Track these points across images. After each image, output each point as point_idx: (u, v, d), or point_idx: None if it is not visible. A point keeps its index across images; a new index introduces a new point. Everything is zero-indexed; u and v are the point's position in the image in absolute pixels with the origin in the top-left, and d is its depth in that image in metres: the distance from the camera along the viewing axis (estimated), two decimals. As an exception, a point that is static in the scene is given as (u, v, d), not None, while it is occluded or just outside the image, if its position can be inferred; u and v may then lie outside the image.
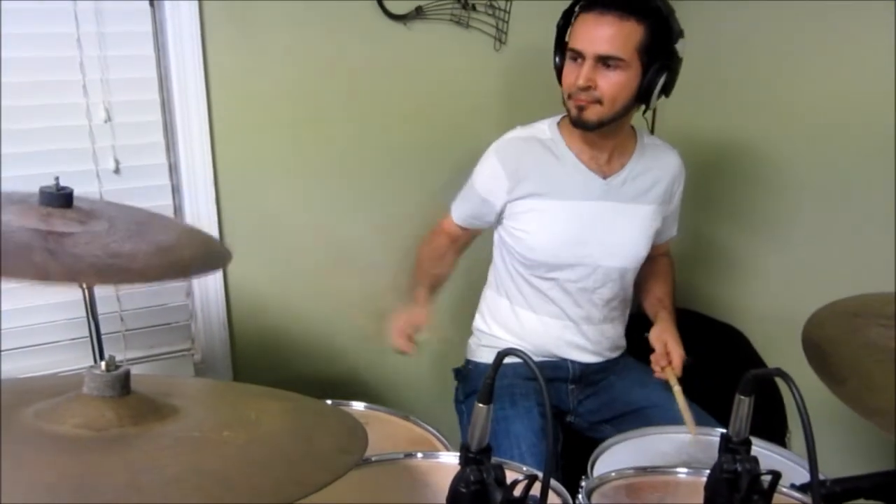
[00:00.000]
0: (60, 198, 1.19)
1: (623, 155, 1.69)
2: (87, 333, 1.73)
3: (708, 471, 1.20)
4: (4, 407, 0.91)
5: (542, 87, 1.89)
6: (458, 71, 2.06)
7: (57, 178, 1.21)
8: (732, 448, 0.90)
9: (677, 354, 1.69)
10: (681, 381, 1.67)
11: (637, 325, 1.90)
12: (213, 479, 0.77)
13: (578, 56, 1.55)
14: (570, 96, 1.58)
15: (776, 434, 2.01)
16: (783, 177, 2.07)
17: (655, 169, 1.72)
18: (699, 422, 1.58)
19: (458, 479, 0.86)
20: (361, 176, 2.02)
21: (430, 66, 2.02)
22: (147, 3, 1.70)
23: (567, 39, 1.60)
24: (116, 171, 1.75)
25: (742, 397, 0.90)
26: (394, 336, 1.58)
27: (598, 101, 1.55)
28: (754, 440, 1.45)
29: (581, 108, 1.57)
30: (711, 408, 1.73)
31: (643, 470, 1.23)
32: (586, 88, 1.54)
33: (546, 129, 1.71)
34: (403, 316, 1.59)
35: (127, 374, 0.91)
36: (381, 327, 1.59)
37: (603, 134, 1.62)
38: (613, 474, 1.20)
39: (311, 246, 2.00)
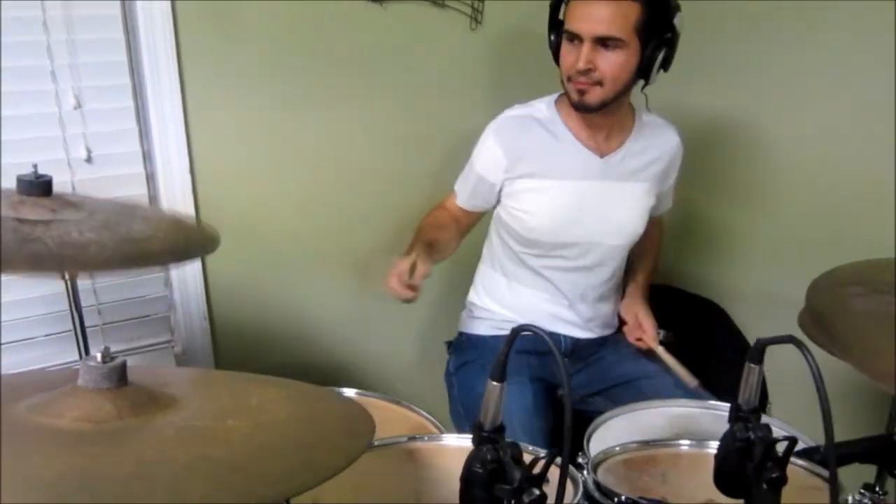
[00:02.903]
0: (38, 186, 1.15)
1: (621, 133, 1.69)
2: (62, 328, 1.72)
3: (710, 442, 1.22)
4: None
5: (519, 67, 1.89)
6: (435, 51, 2.03)
7: (35, 166, 1.16)
8: (743, 416, 0.90)
9: (648, 324, 1.77)
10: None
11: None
12: (225, 467, 0.74)
13: (575, 38, 1.53)
14: (569, 79, 1.57)
15: (759, 403, 2.03)
16: (764, 153, 2.08)
17: (653, 147, 1.71)
18: (681, 395, 1.59)
19: (473, 459, 0.85)
20: (339, 159, 1.99)
21: (406, 47, 1.99)
22: (115, -16, 1.64)
23: (561, 18, 1.57)
24: (88, 159, 1.69)
25: (752, 365, 0.90)
26: (386, 280, 1.55)
27: (599, 83, 1.54)
28: (724, 405, 1.46)
29: (582, 92, 1.55)
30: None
31: (646, 444, 1.23)
32: (586, 71, 1.52)
33: (544, 108, 1.70)
34: (400, 263, 1.55)
35: (123, 365, 0.88)
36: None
37: (602, 113, 1.61)
38: (618, 448, 1.20)
39: (290, 231, 1.97)
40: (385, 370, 2.17)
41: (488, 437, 0.83)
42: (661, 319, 2.14)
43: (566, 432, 0.77)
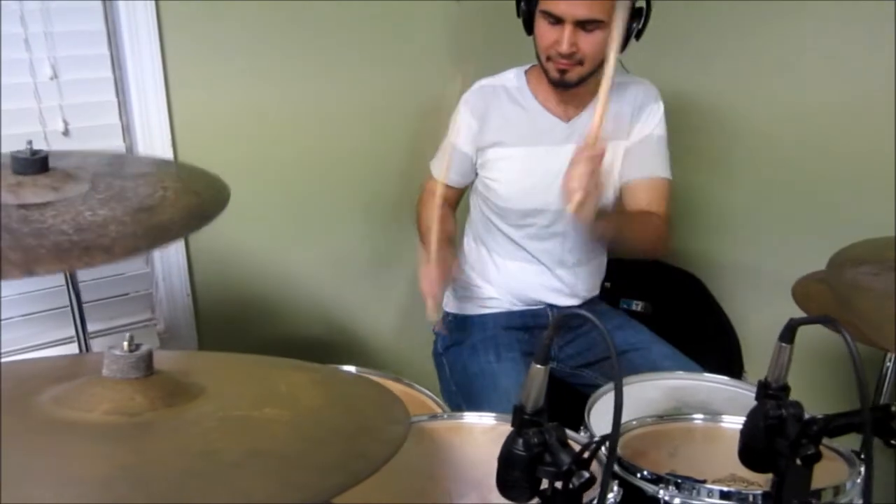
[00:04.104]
0: (35, 163, 1.09)
1: (588, 96, 1.68)
2: (44, 307, 1.66)
3: (724, 417, 1.25)
4: (12, 396, 0.84)
5: (502, 36, 1.86)
6: (418, 20, 2.01)
7: (30, 142, 1.10)
8: (773, 394, 0.92)
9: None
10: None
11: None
12: (277, 461, 0.72)
13: (556, 19, 1.52)
14: (549, 58, 1.57)
15: (734, 372, 2.10)
16: (741, 126, 2.11)
17: (619, 105, 1.68)
18: (682, 367, 1.63)
19: (513, 441, 0.84)
20: (322, 128, 1.95)
21: (390, 18, 1.95)
22: (91, -51, 1.56)
23: None
24: (66, 132, 1.62)
25: (783, 344, 0.91)
26: (427, 291, 1.57)
27: (580, 62, 1.55)
28: (718, 377, 1.52)
29: (563, 72, 1.56)
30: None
31: (660, 418, 1.25)
32: (570, 54, 1.53)
33: (513, 77, 1.71)
34: (432, 270, 1.57)
35: (150, 354, 0.85)
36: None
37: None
38: (634, 423, 1.21)
39: (273, 204, 1.92)
40: (369, 345, 2.16)
41: (531, 421, 0.82)
42: (641, 291, 2.18)
43: (614, 419, 0.77)
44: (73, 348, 1.63)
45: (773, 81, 2.02)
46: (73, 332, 1.63)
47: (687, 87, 2.16)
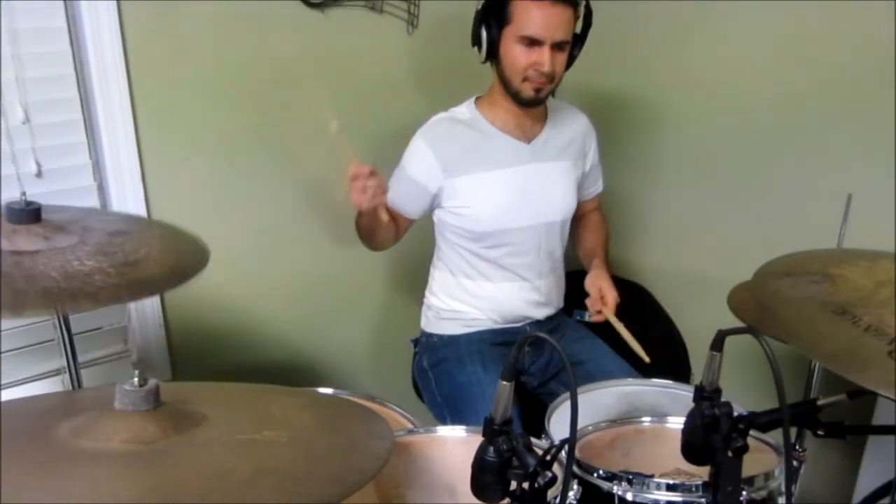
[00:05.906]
0: (29, 214, 1.16)
1: (540, 119, 1.85)
2: (25, 343, 1.71)
3: (669, 418, 1.39)
4: (33, 430, 0.92)
5: (453, 69, 1.99)
6: (373, 55, 2.10)
7: (23, 193, 1.18)
8: (707, 396, 1.05)
9: (611, 296, 1.83)
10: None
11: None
12: (282, 477, 0.82)
13: (534, 42, 1.66)
14: (525, 79, 1.70)
15: (682, 376, 2.25)
16: (679, 135, 2.26)
17: (567, 128, 1.89)
18: (624, 374, 1.78)
19: (484, 449, 0.95)
20: (286, 163, 2.03)
21: (345, 52, 2.04)
22: (60, -2, 1.63)
23: (509, 20, 1.67)
24: (38, 174, 1.68)
25: (714, 353, 1.05)
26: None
27: (551, 80, 1.71)
28: (664, 381, 1.66)
29: (538, 90, 1.71)
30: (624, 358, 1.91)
31: (613, 422, 1.38)
32: (549, 73, 1.68)
33: (465, 110, 1.84)
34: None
35: (157, 387, 0.94)
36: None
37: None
38: (590, 428, 1.34)
39: (243, 237, 2.00)
40: (339, 365, 2.24)
41: (501, 430, 0.94)
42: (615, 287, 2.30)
43: (571, 424, 0.89)
44: (56, 382, 1.70)
45: (698, 90, 2.17)
46: (54, 366, 1.71)
47: (611, 98, 2.31)
